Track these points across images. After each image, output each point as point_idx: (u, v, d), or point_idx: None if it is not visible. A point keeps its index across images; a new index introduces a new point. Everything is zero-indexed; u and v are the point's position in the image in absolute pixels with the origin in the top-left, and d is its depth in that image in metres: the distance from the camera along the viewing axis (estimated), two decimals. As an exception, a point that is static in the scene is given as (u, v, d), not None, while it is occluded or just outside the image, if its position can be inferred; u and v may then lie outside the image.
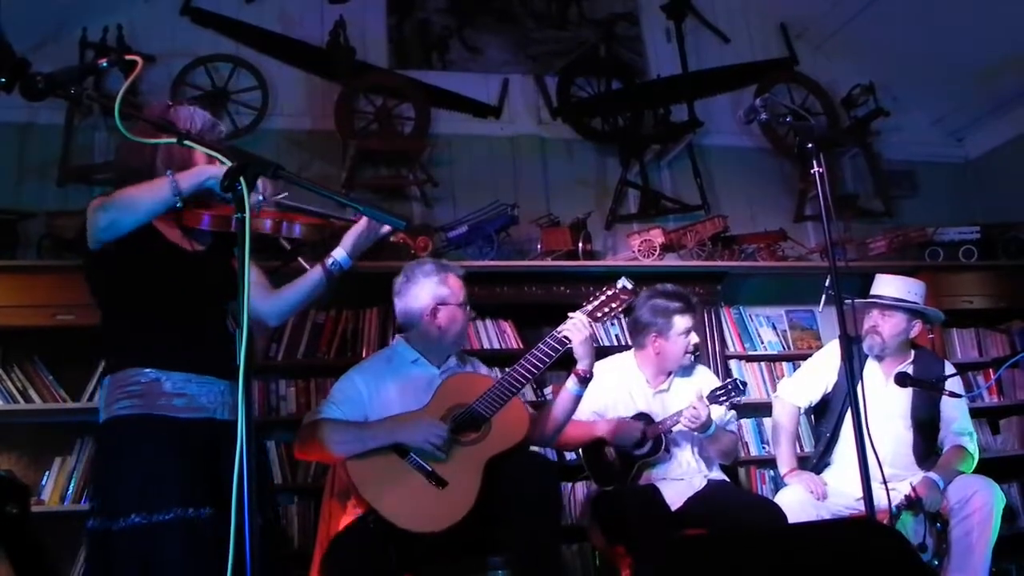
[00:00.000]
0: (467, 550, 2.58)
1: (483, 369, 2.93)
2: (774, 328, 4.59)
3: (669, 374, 3.24)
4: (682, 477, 3.10)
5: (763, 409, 4.39)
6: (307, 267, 2.31)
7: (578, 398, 2.76)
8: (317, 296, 2.36)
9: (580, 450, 3.24)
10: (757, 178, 5.06)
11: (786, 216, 4.91)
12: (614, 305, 2.70)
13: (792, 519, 2.89)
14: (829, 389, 3.41)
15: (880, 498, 2.45)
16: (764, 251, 4.54)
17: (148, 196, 1.95)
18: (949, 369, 3.40)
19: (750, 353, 4.46)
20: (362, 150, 4.35)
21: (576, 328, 2.65)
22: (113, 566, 1.90)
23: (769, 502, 3.08)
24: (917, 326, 3.37)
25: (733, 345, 4.44)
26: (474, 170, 4.68)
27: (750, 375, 4.43)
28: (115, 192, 2.01)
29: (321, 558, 2.55)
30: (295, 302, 2.34)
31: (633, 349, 3.31)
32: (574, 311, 2.71)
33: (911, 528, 3.00)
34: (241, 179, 1.62)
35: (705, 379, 3.29)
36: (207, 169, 1.95)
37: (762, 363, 4.50)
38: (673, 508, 2.93)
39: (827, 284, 2.65)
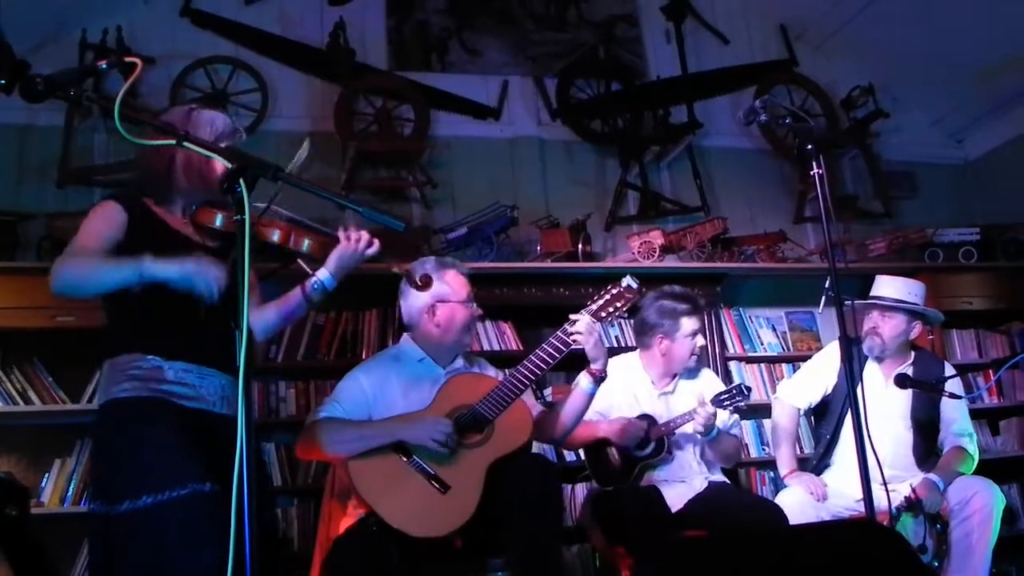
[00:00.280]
0: (468, 552, 2.57)
1: (490, 370, 2.91)
2: (774, 330, 4.59)
3: (674, 376, 3.24)
4: (683, 479, 3.09)
5: (763, 411, 4.39)
6: (307, 269, 2.31)
7: (591, 396, 2.75)
8: (299, 316, 2.42)
9: (582, 450, 3.24)
10: (757, 179, 5.06)
11: (786, 217, 4.92)
12: (619, 304, 2.66)
13: (793, 520, 2.88)
14: (829, 391, 3.41)
15: (880, 499, 2.45)
16: (764, 252, 4.54)
17: (112, 275, 1.97)
18: (949, 370, 3.40)
19: (750, 355, 4.46)
20: (362, 152, 4.35)
21: (585, 330, 2.63)
22: (120, 549, 1.90)
23: (770, 503, 3.08)
24: (917, 327, 3.37)
25: (733, 347, 4.44)
26: (473, 172, 4.68)
27: (750, 376, 4.43)
28: (78, 260, 2.02)
29: (322, 560, 2.54)
30: (275, 322, 2.37)
31: (639, 350, 3.31)
32: (576, 312, 2.68)
33: (911, 529, 3.00)
34: (241, 181, 1.63)
35: (710, 382, 3.29)
36: (187, 266, 1.96)
37: (762, 365, 4.50)
38: (674, 509, 2.93)
39: (827, 285, 2.64)
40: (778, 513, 2.88)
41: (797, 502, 3.13)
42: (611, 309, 2.67)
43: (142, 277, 1.94)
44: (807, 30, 5.33)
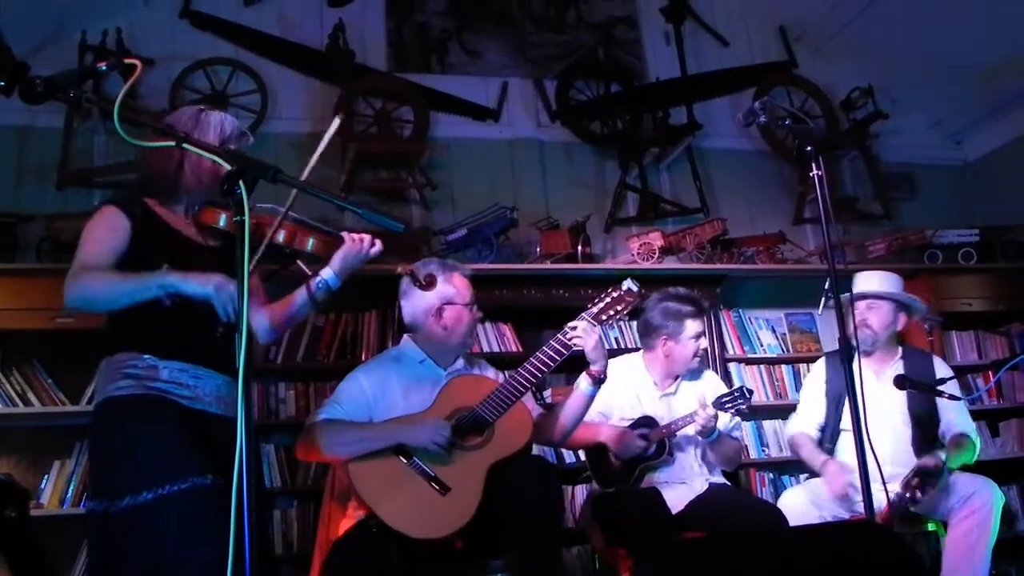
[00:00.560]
0: (468, 553, 2.57)
1: (490, 372, 2.91)
2: (773, 331, 4.59)
3: (676, 377, 3.24)
4: (684, 480, 3.09)
5: (763, 412, 4.40)
6: (307, 270, 2.31)
7: (591, 399, 2.75)
8: (304, 316, 2.41)
9: (583, 451, 3.24)
10: (756, 181, 5.06)
11: (785, 219, 4.92)
12: (619, 307, 2.67)
13: (793, 522, 2.89)
14: (824, 402, 3.42)
15: (880, 501, 2.45)
16: (763, 254, 4.54)
17: (134, 293, 1.98)
18: (938, 364, 3.43)
19: (749, 356, 4.46)
20: (361, 153, 4.35)
21: (585, 334, 2.63)
22: (119, 547, 1.90)
23: (770, 505, 3.08)
24: (903, 318, 3.40)
25: (732, 348, 4.44)
26: (473, 173, 4.68)
27: (749, 378, 4.42)
28: (93, 276, 2.02)
29: (322, 562, 2.54)
30: (281, 322, 2.37)
31: (642, 351, 3.32)
32: (576, 316, 2.68)
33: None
34: (240, 183, 1.63)
35: (712, 384, 3.28)
36: (209, 285, 1.96)
37: (761, 366, 4.50)
38: (674, 511, 2.92)
39: (826, 287, 2.64)
40: (778, 515, 2.88)
41: (798, 503, 3.13)
42: (611, 312, 2.67)
43: (165, 293, 1.95)
44: (807, 32, 5.34)
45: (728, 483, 3.26)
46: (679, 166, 4.93)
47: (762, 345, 4.52)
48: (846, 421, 3.24)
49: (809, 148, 2.47)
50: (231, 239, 2.14)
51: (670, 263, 4.40)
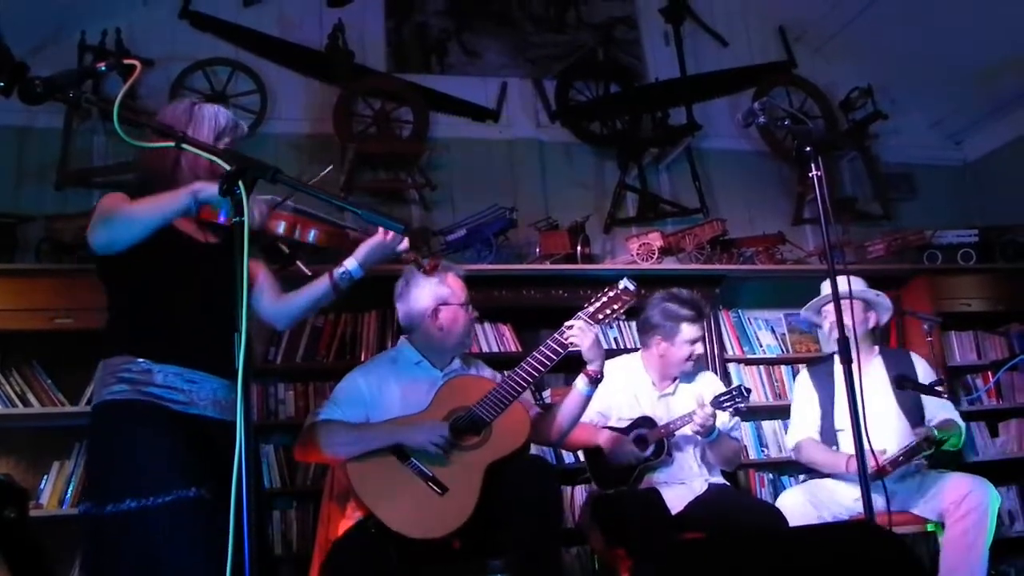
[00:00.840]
0: (466, 553, 2.57)
1: (487, 372, 2.91)
2: (773, 331, 4.59)
3: (675, 378, 3.24)
4: (683, 481, 3.09)
5: (762, 413, 4.40)
6: (306, 271, 2.31)
7: (588, 398, 2.76)
8: (324, 304, 2.39)
9: (582, 452, 3.24)
10: (755, 181, 5.06)
11: (784, 219, 4.92)
12: (616, 307, 2.67)
13: (793, 523, 2.89)
14: (816, 406, 3.43)
15: (879, 502, 2.46)
16: (762, 254, 4.54)
17: (170, 207, 1.93)
18: (916, 359, 3.46)
19: (748, 356, 4.46)
20: (361, 154, 4.35)
21: (582, 333, 2.64)
22: (107, 550, 1.89)
23: (770, 506, 3.08)
24: (872, 316, 3.43)
25: (732, 348, 4.44)
26: (472, 174, 4.69)
27: (749, 378, 4.42)
28: (117, 206, 1.98)
29: (322, 563, 2.54)
30: (303, 307, 2.38)
31: (641, 350, 3.33)
32: (574, 315, 2.68)
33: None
34: (240, 183, 1.63)
35: (711, 384, 3.29)
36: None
37: (761, 366, 4.50)
38: (674, 512, 2.93)
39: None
40: (778, 515, 2.88)
41: (798, 504, 3.14)
42: (608, 311, 2.67)
43: (198, 202, 1.91)
44: (806, 32, 5.34)
45: (728, 483, 3.27)
46: (678, 166, 4.93)
47: (761, 346, 4.52)
48: (840, 422, 3.29)
49: (808, 148, 2.47)
50: (230, 234, 2.14)
51: (669, 263, 4.39)
